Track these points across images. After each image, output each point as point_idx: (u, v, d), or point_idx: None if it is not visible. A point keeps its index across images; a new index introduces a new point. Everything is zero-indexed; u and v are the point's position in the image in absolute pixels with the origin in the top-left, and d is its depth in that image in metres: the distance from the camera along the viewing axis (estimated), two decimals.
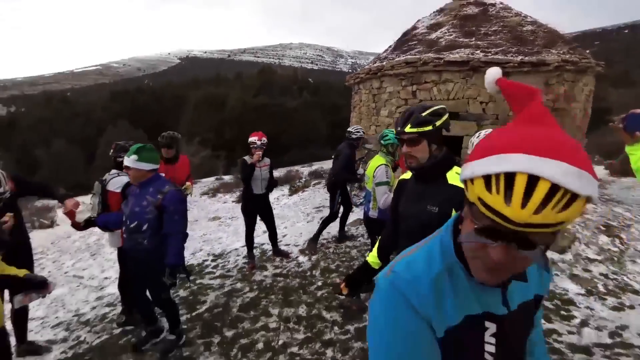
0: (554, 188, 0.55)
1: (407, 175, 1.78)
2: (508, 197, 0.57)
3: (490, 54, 6.18)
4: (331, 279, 4.15)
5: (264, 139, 4.45)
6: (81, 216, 2.63)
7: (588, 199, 0.57)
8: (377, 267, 1.86)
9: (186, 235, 2.80)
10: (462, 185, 0.68)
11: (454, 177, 1.59)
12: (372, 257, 1.88)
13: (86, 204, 4.17)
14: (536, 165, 0.56)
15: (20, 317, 3.04)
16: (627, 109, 2.04)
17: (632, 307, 3.25)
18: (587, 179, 0.56)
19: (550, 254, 4.38)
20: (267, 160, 4.57)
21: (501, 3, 7.92)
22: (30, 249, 3.05)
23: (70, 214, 2.63)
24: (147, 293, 2.95)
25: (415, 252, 0.81)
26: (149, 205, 2.64)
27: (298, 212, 7.35)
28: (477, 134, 3.16)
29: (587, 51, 7.29)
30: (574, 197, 0.55)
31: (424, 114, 1.56)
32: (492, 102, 6.18)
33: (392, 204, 1.83)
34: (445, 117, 1.60)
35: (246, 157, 4.44)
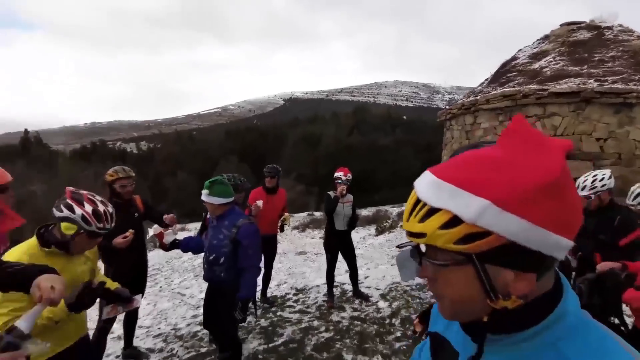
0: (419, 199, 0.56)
1: None
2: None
3: (607, 83, 5.37)
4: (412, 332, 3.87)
5: (349, 175, 4.56)
6: (170, 238, 2.89)
7: (457, 218, 0.51)
8: None
9: (259, 269, 2.85)
10: None
11: None
12: None
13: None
14: (419, 179, 0.58)
15: (130, 324, 3.54)
16: None
17: None
18: (451, 193, 0.51)
19: None
20: (350, 197, 4.64)
21: (620, 25, 6.89)
22: (146, 266, 3.60)
23: (159, 236, 2.86)
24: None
25: None
26: (225, 239, 2.68)
27: (383, 254, 7.16)
28: (593, 175, 2.71)
29: None
30: (433, 209, 0.53)
31: None
32: (612, 138, 5.29)
33: None
34: None
35: (330, 192, 4.60)
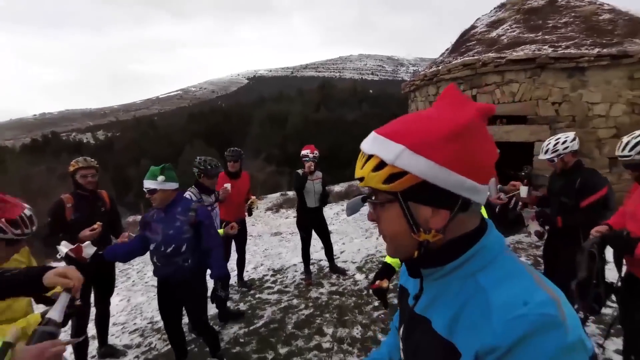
0: None
1: None
2: None
3: (560, 49, 5.58)
4: (390, 300, 3.99)
5: (316, 152, 4.53)
6: (90, 251, 2.47)
7: (383, 162, 0.62)
8: (398, 268, 1.90)
9: (223, 248, 2.81)
10: None
11: None
12: (390, 258, 1.95)
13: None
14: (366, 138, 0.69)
15: (102, 321, 3.42)
16: None
17: None
18: (380, 143, 0.64)
19: None
20: (319, 174, 4.63)
21: None
22: (114, 262, 3.45)
23: (77, 250, 2.43)
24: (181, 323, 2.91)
25: None
26: (183, 225, 2.57)
27: (357, 228, 7.30)
28: (556, 138, 2.68)
29: None
30: (369, 157, 0.65)
31: None
32: (566, 102, 5.55)
33: None
34: None
35: (299, 170, 4.56)
